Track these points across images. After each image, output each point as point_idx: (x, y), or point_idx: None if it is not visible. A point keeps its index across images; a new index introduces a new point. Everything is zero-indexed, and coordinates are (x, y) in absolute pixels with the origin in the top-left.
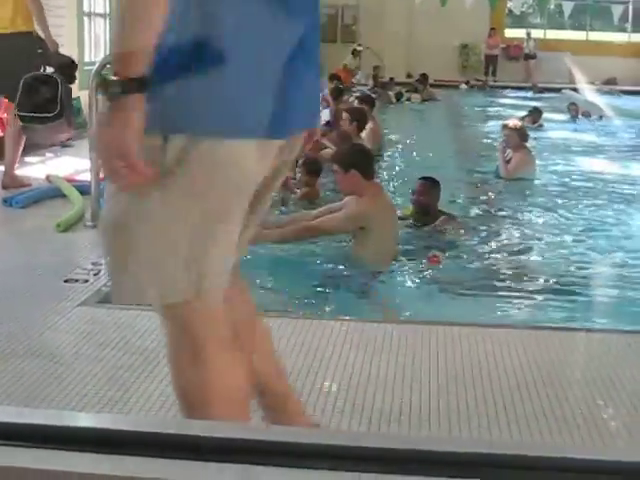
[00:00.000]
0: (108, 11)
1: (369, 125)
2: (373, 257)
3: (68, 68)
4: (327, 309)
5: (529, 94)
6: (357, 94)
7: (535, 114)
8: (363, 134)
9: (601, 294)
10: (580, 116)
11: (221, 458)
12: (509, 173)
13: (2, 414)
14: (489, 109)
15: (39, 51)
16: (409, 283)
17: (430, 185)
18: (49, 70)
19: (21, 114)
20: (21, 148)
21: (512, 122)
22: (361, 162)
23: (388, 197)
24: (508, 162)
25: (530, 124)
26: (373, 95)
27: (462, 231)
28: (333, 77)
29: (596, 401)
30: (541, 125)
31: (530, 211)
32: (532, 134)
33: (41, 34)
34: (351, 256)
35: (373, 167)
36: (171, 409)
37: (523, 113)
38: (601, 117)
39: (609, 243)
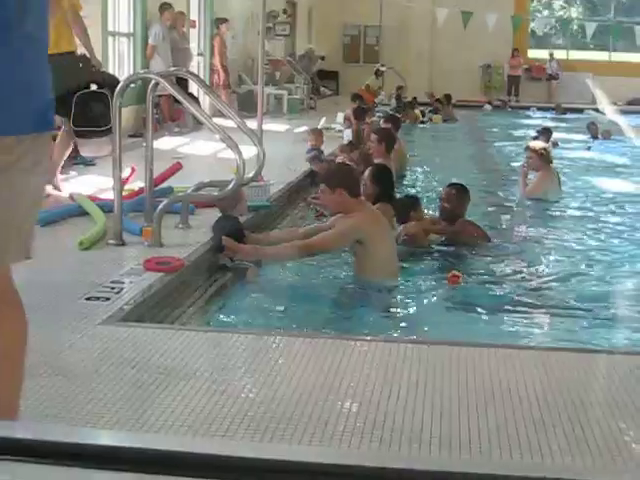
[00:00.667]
0: (132, 30)
1: (395, 145)
2: (377, 271)
3: (113, 86)
4: (346, 328)
5: (552, 114)
6: (380, 114)
7: (546, 134)
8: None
9: (623, 316)
10: (600, 136)
11: (244, 478)
12: (528, 193)
13: (22, 431)
14: (511, 130)
15: (81, 68)
16: (430, 301)
17: (456, 191)
18: (93, 87)
19: (76, 129)
20: (64, 158)
21: (534, 144)
22: (347, 181)
23: (377, 211)
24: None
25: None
26: (397, 115)
27: (478, 237)
28: (356, 97)
29: (618, 424)
30: (556, 144)
31: (551, 232)
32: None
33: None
34: (355, 275)
35: (359, 185)
36: (191, 428)
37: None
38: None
39: (631, 265)
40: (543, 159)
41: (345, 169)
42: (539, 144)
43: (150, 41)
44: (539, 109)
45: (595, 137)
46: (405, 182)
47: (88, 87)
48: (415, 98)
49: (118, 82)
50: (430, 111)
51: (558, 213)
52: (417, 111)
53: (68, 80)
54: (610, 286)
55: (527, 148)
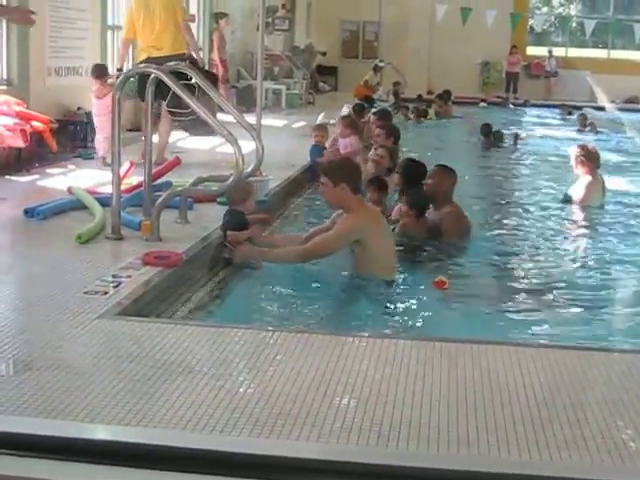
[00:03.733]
0: None
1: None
2: (376, 267)
3: (212, 81)
4: (345, 324)
5: (556, 113)
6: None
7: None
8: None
9: (622, 314)
10: (586, 129)
11: (241, 473)
12: (581, 201)
13: (21, 425)
14: (509, 127)
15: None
16: (428, 297)
17: (439, 171)
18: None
19: (168, 108)
20: (169, 136)
21: (581, 147)
22: (351, 176)
23: (375, 209)
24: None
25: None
26: (394, 111)
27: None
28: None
29: (617, 422)
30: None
31: (551, 229)
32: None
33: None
34: (354, 271)
35: (361, 182)
36: (189, 423)
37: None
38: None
39: (629, 262)
40: (590, 162)
41: (350, 164)
42: (586, 146)
43: None
44: (538, 107)
45: (583, 128)
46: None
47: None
48: (420, 95)
49: (214, 77)
50: (427, 107)
51: (559, 211)
52: (423, 108)
53: (177, 73)
54: (609, 284)
55: (575, 149)
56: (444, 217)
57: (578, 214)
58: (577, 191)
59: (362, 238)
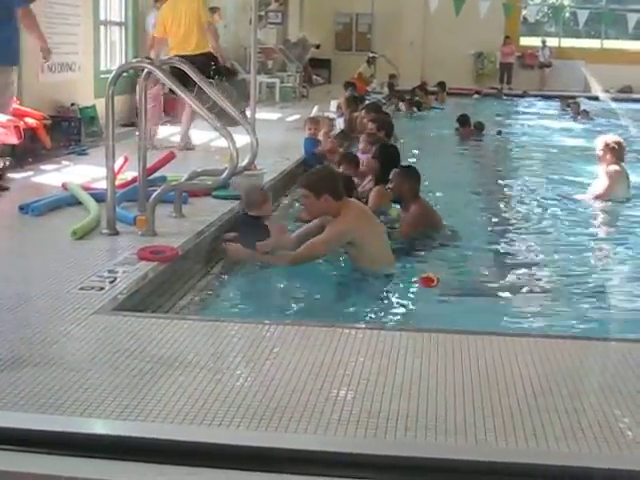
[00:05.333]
0: (124, 19)
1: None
2: (373, 263)
3: (231, 76)
4: (342, 316)
5: (556, 104)
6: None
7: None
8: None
9: (618, 303)
10: (579, 116)
11: (239, 466)
12: (602, 196)
13: (18, 421)
14: (498, 118)
15: (213, 65)
16: (425, 289)
17: (399, 173)
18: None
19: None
20: (190, 124)
21: (606, 138)
22: (332, 185)
23: (362, 207)
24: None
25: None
26: (389, 103)
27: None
28: (348, 85)
29: (613, 411)
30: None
31: (546, 220)
32: None
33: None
34: (351, 265)
35: (342, 186)
36: (187, 417)
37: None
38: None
39: (624, 252)
40: (615, 154)
41: (328, 173)
42: (611, 137)
43: (151, 31)
44: (533, 97)
45: (576, 116)
46: None
47: (211, 76)
48: (424, 83)
49: (234, 73)
50: (410, 99)
51: (551, 201)
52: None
53: (203, 69)
54: (604, 274)
55: (601, 142)
56: (412, 217)
57: (588, 206)
58: (600, 183)
59: (353, 239)
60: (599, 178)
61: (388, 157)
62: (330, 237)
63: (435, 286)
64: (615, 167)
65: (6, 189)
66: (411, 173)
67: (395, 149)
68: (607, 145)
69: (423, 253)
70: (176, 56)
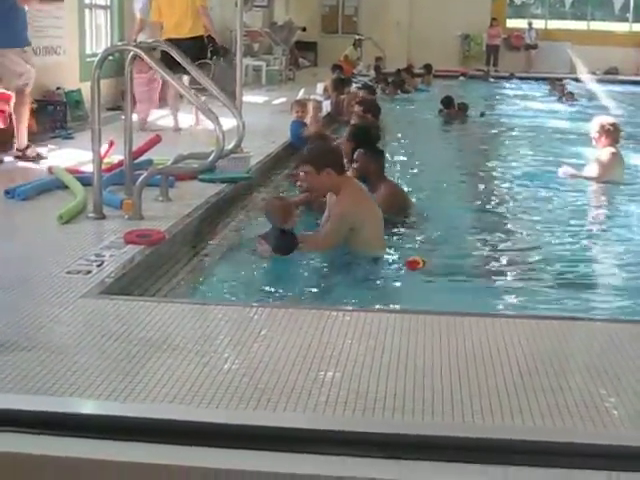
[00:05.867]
0: (109, 3)
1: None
2: (368, 246)
3: (225, 54)
4: (329, 299)
5: (544, 86)
6: (358, 85)
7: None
8: None
9: (603, 283)
10: (564, 98)
11: (219, 443)
12: (597, 178)
13: (8, 401)
14: (487, 100)
15: (206, 45)
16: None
17: (362, 153)
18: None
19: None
20: (178, 105)
21: (602, 119)
22: (333, 159)
23: (361, 187)
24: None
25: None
26: (375, 85)
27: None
28: (335, 68)
29: (598, 390)
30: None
31: (533, 201)
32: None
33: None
34: (343, 248)
35: (342, 160)
36: (175, 398)
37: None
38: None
39: (609, 232)
40: (610, 136)
41: (330, 147)
42: (607, 119)
43: (138, 14)
44: (520, 79)
45: (561, 97)
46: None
47: (206, 57)
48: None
49: (227, 52)
50: (392, 82)
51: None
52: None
53: (197, 52)
54: (590, 253)
55: (596, 124)
56: (382, 197)
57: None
58: (596, 165)
59: (354, 223)
60: (594, 160)
61: (360, 138)
62: (334, 229)
63: (421, 268)
64: (611, 149)
65: None
66: (376, 153)
67: (368, 129)
68: (603, 127)
69: (401, 234)
70: (170, 40)
